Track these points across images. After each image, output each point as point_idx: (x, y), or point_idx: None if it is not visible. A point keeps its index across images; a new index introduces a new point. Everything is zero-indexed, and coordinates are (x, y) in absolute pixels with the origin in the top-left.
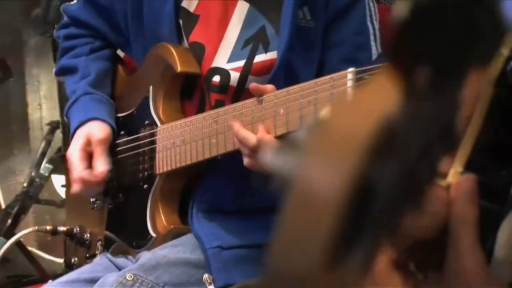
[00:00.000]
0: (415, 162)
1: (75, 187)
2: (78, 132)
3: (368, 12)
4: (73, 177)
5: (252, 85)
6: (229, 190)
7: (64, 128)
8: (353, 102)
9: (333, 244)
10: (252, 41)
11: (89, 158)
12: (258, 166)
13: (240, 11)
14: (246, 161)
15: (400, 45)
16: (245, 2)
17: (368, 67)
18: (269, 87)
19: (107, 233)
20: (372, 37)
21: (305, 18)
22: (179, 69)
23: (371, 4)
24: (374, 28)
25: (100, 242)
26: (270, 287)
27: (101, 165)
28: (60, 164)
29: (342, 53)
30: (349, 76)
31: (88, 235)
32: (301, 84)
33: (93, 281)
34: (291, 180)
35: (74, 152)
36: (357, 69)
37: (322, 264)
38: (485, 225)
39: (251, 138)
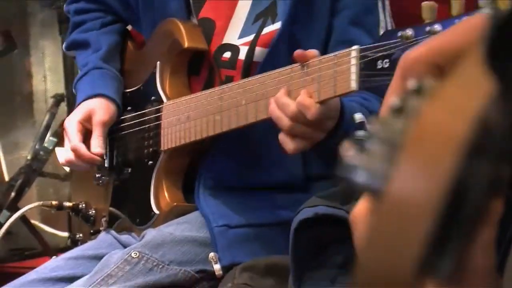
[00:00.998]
0: (505, 160)
1: (66, 157)
2: (82, 104)
3: None
4: (68, 145)
5: (297, 51)
6: (234, 165)
7: (69, 101)
8: (444, 98)
9: (426, 250)
10: (262, 16)
11: (85, 132)
12: (296, 144)
13: None
14: (284, 138)
15: (498, 41)
16: None
17: (372, 45)
18: (312, 52)
19: (112, 209)
20: (380, 3)
21: None
22: (186, 44)
23: None
24: None
25: (104, 219)
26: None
27: (97, 147)
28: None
29: (350, 16)
30: (353, 54)
31: (93, 211)
32: (306, 62)
33: (97, 257)
34: (379, 183)
35: (72, 123)
36: (361, 47)
37: (414, 270)
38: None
39: (291, 103)
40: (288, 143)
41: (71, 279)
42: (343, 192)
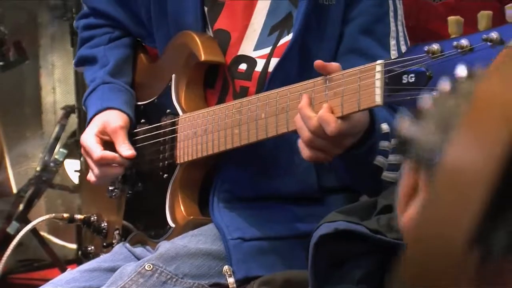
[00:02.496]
0: None
1: (94, 172)
2: (94, 120)
3: None
4: (91, 162)
5: (317, 62)
6: (248, 177)
7: (80, 113)
8: (500, 73)
9: (480, 221)
10: (278, 28)
11: (103, 144)
12: (315, 155)
13: None
14: (305, 150)
15: None
16: None
17: (397, 59)
18: (334, 65)
19: (125, 222)
20: (392, 13)
21: None
22: (203, 57)
23: None
24: (394, 5)
25: (117, 231)
26: (415, 259)
27: (127, 150)
28: (75, 149)
29: (361, 24)
30: (378, 68)
31: (105, 224)
32: (328, 76)
33: (113, 270)
34: (436, 153)
35: (89, 138)
36: (386, 61)
37: (468, 242)
38: None
39: (313, 117)
40: (305, 152)
41: None
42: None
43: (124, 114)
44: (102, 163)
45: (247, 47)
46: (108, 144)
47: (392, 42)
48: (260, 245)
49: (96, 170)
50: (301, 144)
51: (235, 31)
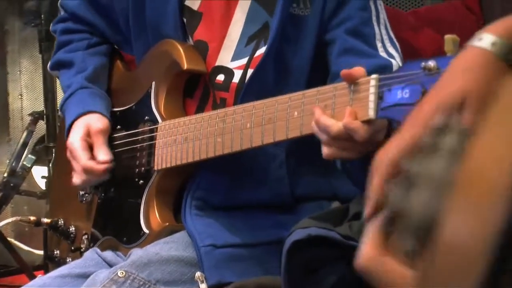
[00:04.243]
0: None
1: (80, 177)
2: (76, 123)
3: None
4: (77, 166)
5: (344, 71)
6: (221, 185)
7: (48, 119)
8: (485, 147)
9: None
10: (255, 38)
11: (90, 148)
12: (339, 154)
13: (242, 7)
14: (326, 149)
15: None
16: None
17: (392, 74)
18: (359, 70)
19: (93, 230)
20: (374, 17)
21: (298, 7)
22: (185, 66)
23: None
24: (376, 9)
25: (86, 236)
26: None
27: (103, 155)
28: (43, 155)
29: (348, 28)
30: (372, 82)
31: (73, 228)
32: (318, 88)
33: (84, 276)
34: (430, 221)
35: (76, 142)
36: (381, 76)
37: None
38: None
39: (334, 125)
40: (325, 151)
41: None
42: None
43: (105, 117)
44: (87, 171)
45: (224, 58)
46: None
47: (379, 44)
48: (232, 252)
49: (81, 175)
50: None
51: (213, 41)
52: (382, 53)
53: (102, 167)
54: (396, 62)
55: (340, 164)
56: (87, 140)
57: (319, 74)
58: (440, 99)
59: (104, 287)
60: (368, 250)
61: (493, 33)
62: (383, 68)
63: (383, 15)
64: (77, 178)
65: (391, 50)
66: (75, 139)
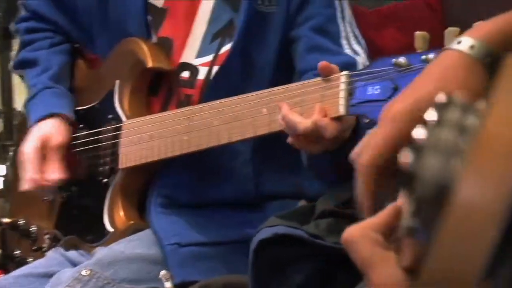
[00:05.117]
0: None
1: (25, 186)
2: (36, 129)
3: None
4: (25, 176)
5: (322, 63)
6: (186, 183)
7: (5, 117)
8: (500, 113)
9: (491, 256)
10: (220, 35)
11: (42, 159)
12: (305, 146)
13: (207, 4)
14: (290, 140)
15: None
16: None
17: (363, 71)
18: (335, 67)
19: (56, 229)
20: (339, 14)
21: (264, 4)
22: (150, 64)
23: None
24: (341, 6)
25: (48, 236)
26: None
27: (54, 173)
28: (0, 153)
29: (314, 25)
30: (343, 79)
31: (35, 228)
32: (286, 86)
33: (47, 275)
34: (445, 188)
35: (28, 152)
36: (351, 73)
37: (479, 276)
38: None
39: (302, 122)
40: (290, 140)
41: None
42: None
43: (67, 122)
44: (32, 184)
45: (189, 55)
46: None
47: (344, 41)
48: (197, 250)
49: (27, 185)
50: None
51: (177, 38)
52: (347, 50)
53: (47, 184)
54: (361, 59)
55: (306, 159)
56: (41, 152)
57: (285, 70)
58: (415, 98)
59: (69, 286)
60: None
61: (472, 36)
62: (347, 65)
63: (348, 13)
64: (24, 187)
65: (356, 47)
66: (28, 149)
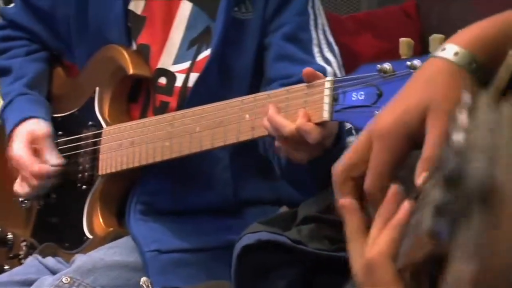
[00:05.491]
0: None
1: (28, 184)
2: (17, 131)
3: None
4: (26, 173)
5: (306, 69)
6: (165, 190)
7: None
8: None
9: None
10: (197, 42)
11: (34, 153)
12: (290, 153)
13: (183, 11)
14: (277, 144)
15: None
16: (188, 2)
17: (347, 77)
18: (320, 74)
19: (33, 236)
20: (312, 22)
21: (240, 11)
22: (131, 71)
23: None
24: (314, 14)
25: (25, 243)
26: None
27: (55, 159)
28: None
29: (285, 33)
30: (327, 84)
31: (11, 235)
32: (270, 92)
33: (26, 283)
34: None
35: (20, 150)
36: (336, 78)
37: None
38: None
39: (287, 125)
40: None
41: None
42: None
43: (46, 122)
44: (41, 175)
45: (166, 61)
46: (38, 153)
47: (316, 49)
48: (177, 257)
49: (33, 181)
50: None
51: (154, 44)
52: (318, 58)
53: (54, 170)
54: (331, 68)
55: (283, 167)
56: (32, 147)
57: (262, 77)
58: (403, 110)
59: None
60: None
61: (456, 43)
62: None
63: (321, 20)
64: (25, 187)
65: (328, 55)
66: (19, 147)
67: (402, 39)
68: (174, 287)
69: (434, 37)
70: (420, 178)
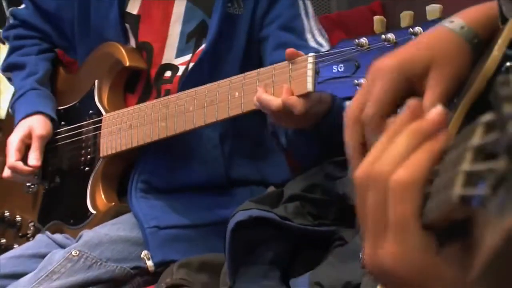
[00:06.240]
0: None
1: (6, 173)
2: (22, 122)
3: None
4: (7, 163)
5: (289, 50)
6: (162, 170)
7: None
8: None
9: None
10: (194, 35)
11: (25, 149)
12: (284, 123)
13: (179, 7)
14: (271, 118)
15: None
16: None
17: (327, 52)
18: (300, 52)
19: (40, 217)
20: (303, 12)
21: (233, 6)
22: (127, 63)
23: None
24: (305, 5)
25: (32, 224)
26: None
27: (33, 160)
28: None
29: (280, 24)
30: (310, 59)
31: (19, 218)
32: (257, 70)
33: (37, 256)
34: None
35: (14, 141)
36: (317, 54)
37: None
38: None
39: (274, 101)
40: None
41: (14, 276)
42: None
43: (50, 120)
44: (13, 170)
45: (169, 56)
46: (29, 147)
47: (309, 36)
48: (174, 232)
49: (8, 172)
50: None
51: (156, 42)
52: (312, 43)
53: (27, 170)
54: (325, 49)
55: (288, 136)
56: (25, 141)
57: (249, 68)
58: (407, 56)
59: (60, 265)
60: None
61: (462, 19)
62: None
63: (311, 10)
64: (4, 173)
65: (320, 39)
66: (14, 138)
67: (376, 17)
68: (171, 259)
69: (404, 13)
70: None
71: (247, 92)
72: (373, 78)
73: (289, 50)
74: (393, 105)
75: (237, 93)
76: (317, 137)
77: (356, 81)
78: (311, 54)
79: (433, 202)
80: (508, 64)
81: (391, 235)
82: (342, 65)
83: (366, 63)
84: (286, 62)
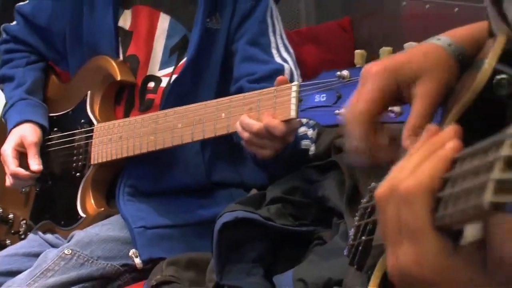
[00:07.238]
0: None
1: (10, 180)
2: (13, 131)
3: (270, 9)
4: (7, 171)
5: (280, 77)
6: (148, 174)
7: None
8: None
9: None
10: (177, 49)
11: (20, 156)
12: (258, 151)
13: (162, 23)
14: (245, 143)
15: None
16: (165, 15)
17: (310, 82)
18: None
19: (32, 216)
20: (271, 29)
21: (212, 22)
22: (119, 77)
23: (271, 4)
24: (272, 22)
25: (24, 221)
26: None
27: (35, 165)
28: None
29: (248, 38)
30: (294, 88)
31: (12, 215)
32: (243, 94)
33: (30, 254)
34: None
35: (8, 150)
36: (301, 83)
37: None
38: None
39: (256, 124)
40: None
41: (9, 273)
42: None
43: (39, 127)
44: (15, 176)
45: (153, 68)
46: (24, 155)
47: (274, 51)
48: (161, 232)
49: (10, 179)
50: (245, 143)
51: (142, 55)
52: (277, 59)
53: (29, 175)
54: (289, 65)
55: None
56: (18, 150)
57: (227, 79)
58: (397, 63)
59: (54, 263)
60: None
61: (450, 37)
62: (276, 72)
63: (279, 27)
64: (7, 181)
65: (285, 55)
66: (7, 148)
67: (357, 51)
68: (158, 257)
69: (383, 49)
70: (406, 142)
71: (233, 114)
72: (363, 80)
73: (280, 78)
74: (381, 104)
75: (223, 114)
76: (273, 166)
77: (337, 111)
78: (295, 83)
79: (452, 207)
80: (498, 77)
81: (406, 241)
82: (324, 94)
83: (347, 94)
84: (272, 88)
